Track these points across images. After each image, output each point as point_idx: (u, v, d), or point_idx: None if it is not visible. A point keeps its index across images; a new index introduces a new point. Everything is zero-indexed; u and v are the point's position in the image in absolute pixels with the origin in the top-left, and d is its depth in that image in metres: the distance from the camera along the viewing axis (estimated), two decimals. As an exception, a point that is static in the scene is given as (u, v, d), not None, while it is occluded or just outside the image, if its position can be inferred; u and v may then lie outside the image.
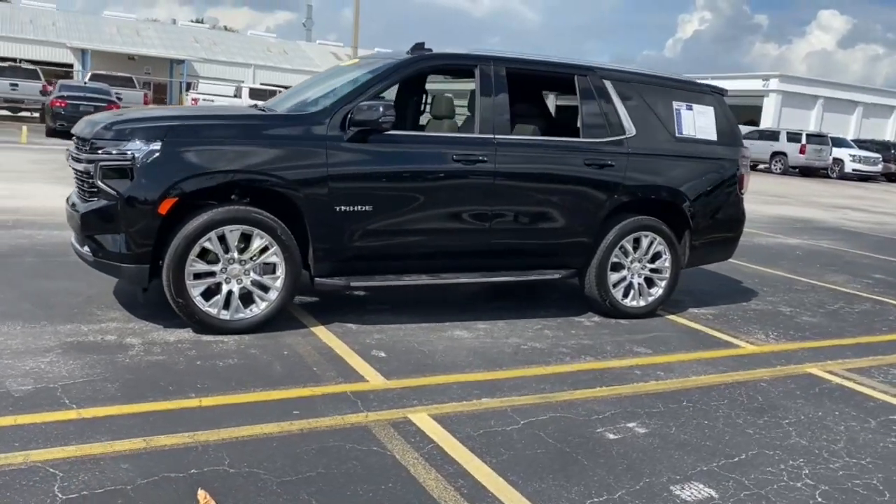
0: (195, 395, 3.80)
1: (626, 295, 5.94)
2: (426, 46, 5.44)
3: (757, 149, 32.46)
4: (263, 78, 49.51)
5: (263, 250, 4.77)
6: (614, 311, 5.91)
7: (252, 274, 4.78)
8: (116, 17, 60.80)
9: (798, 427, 4.07)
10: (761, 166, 31.98)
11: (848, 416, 4.31)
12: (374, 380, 4.22)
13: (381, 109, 4.76)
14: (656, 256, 5.99)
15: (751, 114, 41.19)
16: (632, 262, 5.91)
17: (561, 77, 5.85)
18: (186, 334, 4.68)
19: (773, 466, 3.55)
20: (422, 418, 3.76)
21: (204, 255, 4.66)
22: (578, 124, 5.73)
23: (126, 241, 4.51)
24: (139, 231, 4.48)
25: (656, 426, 3.92)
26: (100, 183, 4.55)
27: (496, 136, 5.30)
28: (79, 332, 4.58)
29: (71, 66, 49.79)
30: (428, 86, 6.98)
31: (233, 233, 4.66)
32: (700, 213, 6.08)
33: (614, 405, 4.17)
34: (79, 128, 4.93)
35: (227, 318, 4.74)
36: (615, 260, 5.84)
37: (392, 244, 5.12)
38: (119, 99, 22.87)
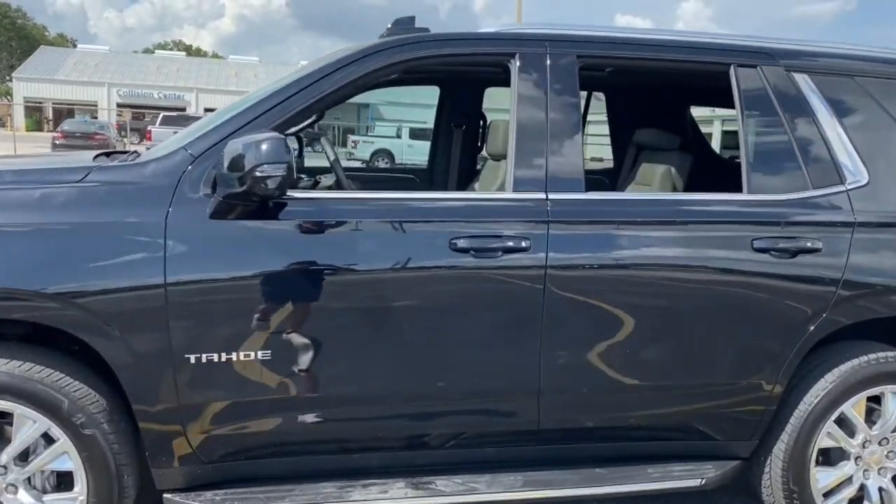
0: None
1: (852, 513, 2.86)
2: (419, 26, 2.80)
3: None
4: (453, 116, 48.62)
5: (49, 441, 2.34)
6: (826, 549, 2.84)
7: (21, 490, 2.36)
8: (313, 65, 63.71)
9: None
10: None
11: None
12: None
13: (262, 149, 2.19)
14: (921, 434, 2.86)
15: None
16: (864, 445, 2.83)
17: (704, 71, 2.90)
18: None
19: None
20: None
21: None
22: (742, 164, 2.79)
23: None
24: None
25: None
26: None
27: (550, 195, 2.53)
28: None
29: (267, 113, 52.02)
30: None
31: (-28, 412, 2.27)
32: None
33: None
34: None
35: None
36: (828, 444, 2.80)
37: (316, 425, 2.48)
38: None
